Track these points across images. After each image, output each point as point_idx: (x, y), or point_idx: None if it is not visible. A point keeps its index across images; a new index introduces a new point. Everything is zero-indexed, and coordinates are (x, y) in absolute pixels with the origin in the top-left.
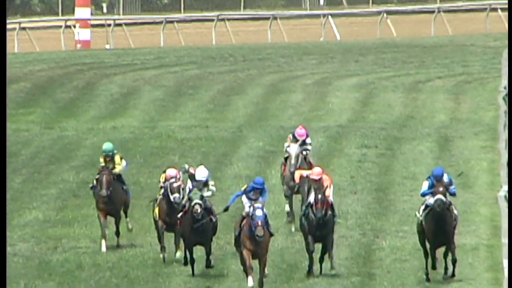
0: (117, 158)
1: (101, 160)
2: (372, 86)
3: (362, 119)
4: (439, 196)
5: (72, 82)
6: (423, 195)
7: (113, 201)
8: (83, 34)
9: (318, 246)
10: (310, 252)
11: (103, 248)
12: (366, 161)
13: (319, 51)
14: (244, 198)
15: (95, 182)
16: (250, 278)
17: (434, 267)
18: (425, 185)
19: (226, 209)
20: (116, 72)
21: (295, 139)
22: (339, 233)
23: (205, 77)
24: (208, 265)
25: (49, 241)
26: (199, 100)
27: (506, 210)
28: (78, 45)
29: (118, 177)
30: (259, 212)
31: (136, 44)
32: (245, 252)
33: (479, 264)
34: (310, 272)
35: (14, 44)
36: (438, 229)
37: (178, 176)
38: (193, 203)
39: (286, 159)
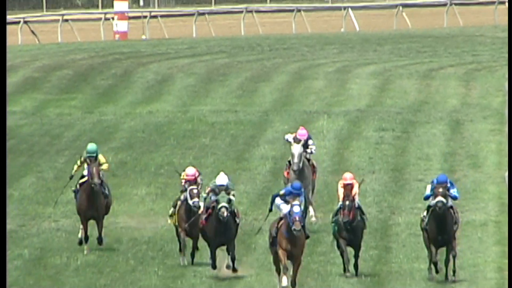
0: (100, 157)
1: (81, 159)
2: (388, 73)
3: (380, 104)
4: (440, 198)
5: (110, 70)
6: (426, 198)
7: (97, 201)
8: (121, 25)
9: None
10: (342, 253)
11: (86, 252)
12: (383, 143)
13: (339, 41)
14: (279, 200)
15: (78, 186)
16: (284, 278)
17: (436, 271)
18: (428, 189)
19: (270, 210)
20: (152, 61)
21: (297, 140)
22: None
23: (234, 65)
24: (233, 265)
25: None
26: (228, 86)
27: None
28: (116, 36)
29: (101, 181)
30: (297, 209)
31: (170, 35)
32: (280, 252)
33: (488, 238)
34: (345, 270)
35: (57, 35)
36: (439, 229)
37: (197, 175)
38: (219, 206)
39: (289, 162)
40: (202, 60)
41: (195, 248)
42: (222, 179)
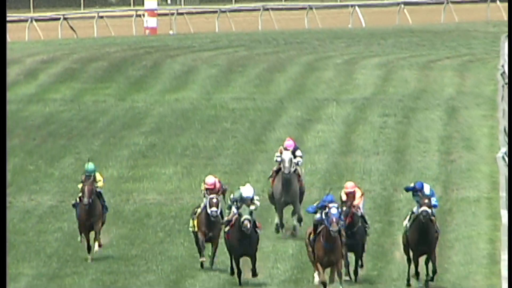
0: (97, 175)
1: (82, 179)
2: (391, 64)
3: (383, 92)
4: (425, 208)
5: (141, 61)
6: (411, 190)
7: (94, 214)
8: (151, 21)
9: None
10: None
11: (89, 261)
12: (386, 127)
13: (347, 35)
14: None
15: (78, 200)
16: (324, 277)
17: (416, 275)
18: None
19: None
20: (178, 53)
21: (285, 150)
22: (364, 188)
23: (252, 57)
24: (254, 273)
25: (122, 194)
26: (247, 76)
27: (504, 168)
28: (147, 31)
29: (99, 194)
30: (334, 210)
31: (195, 30)
32: (318, 266)
33: (480, 213)
34: (346, 273)
35: (93, 30)
36: (421, 238)
37: (217, 184)
38: (242, 219)
39: (276, 172)
40: (223, 53)
41: (214, 253)
42: (248, 191)
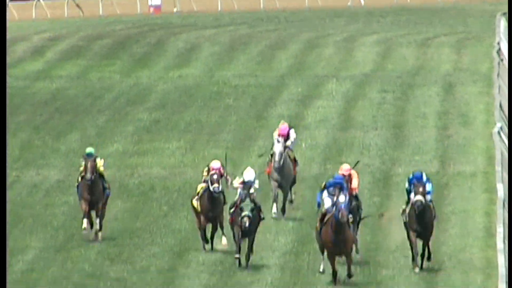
0: (98, 161)
1: (82, 163)
2: (390, 42)
3: (382, 69)
4: (419, 197)
5: (145, 39)
6: (408, 191)
7: (95, 193)
8: (155, 0)
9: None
10: None
11: (84, 226)
12: (385, 103)
13: (347, 14)
14: (325, 193)
15: (79, 179)
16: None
17: (420, 256)
18: (406, 185)
19: (318, 206)
20: (182, 31)
21: (280, 136)
22: (363, 162)
23: (254, 35)
24: (248, 257)
25: (127, 168)
26: (249, 54)
27: (499, 143)
28: (151, 9)
29: (102, 176)
30: (342, 199)
31: (198, 8)
32: (329, 254)
33: (477, 187)
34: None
35: (99, 9)
36: (417, 223)
37: (221, 169)
38: (243, 214)
39: (272, 156)
40: (226, 31)
41: (213, 234)
42: (250, 174)
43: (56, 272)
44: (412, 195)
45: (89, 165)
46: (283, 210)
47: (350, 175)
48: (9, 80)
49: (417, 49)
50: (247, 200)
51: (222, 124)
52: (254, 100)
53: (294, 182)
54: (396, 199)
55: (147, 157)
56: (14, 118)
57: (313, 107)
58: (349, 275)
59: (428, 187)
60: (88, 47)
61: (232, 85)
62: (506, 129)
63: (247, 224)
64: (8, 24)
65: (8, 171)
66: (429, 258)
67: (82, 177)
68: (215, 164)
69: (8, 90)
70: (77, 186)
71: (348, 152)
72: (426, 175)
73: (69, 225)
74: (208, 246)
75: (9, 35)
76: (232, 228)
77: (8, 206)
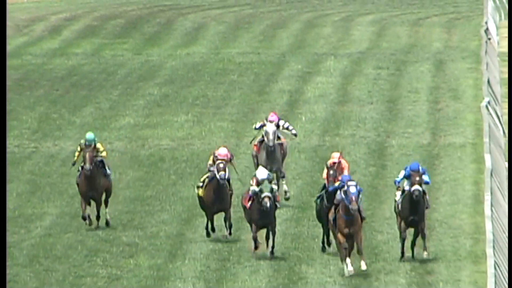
0: (99, 145)
1: (79, 148)
2: (384, 21)
3: (377, 47)
4: (417, 186)
5: (155, 19)
6: (397, 182)
7: (95, 183)
8: None
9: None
10: (322, 226)
11: (86, 222)
12: (380, 79)
13: None
14: (338, 193)
15: (80, 168)
16: (348, 260)
17: (403, 244)
18: (401, 174)
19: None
20: (189, 12)
21: (267, 121)
22: (359, 135)
23: (257, 15)
24: (272, 249)
25: (138, 140)
26: (252, 32)
27: (487, 116)
28: None
29: (101, 162)
30: (353, 189)
31: None
32: (340, 236)
33: (466, 157)
34: (326, 242)
35: None
36: (411, 211)
37: (228, 155)
38: (263, 195)
39: (260, 142)
40: (231, 11)
41: (230, 222)
42: (262, 173)
43: (72, 237)
44: (406, 185)
45: (87, 155)
46: (283, 176)
47: (340, 163)
48: (28, 58)
49: (410, 28)
50: (266, 182)
51: (227, 98)
52: (257, 76)
53: (283, 159)
54: (390, 169)
55: (157, 129)
56: (33, 92)
57: (312, 83)
58: (359, 251)
59: (425, 178)
60: (102, 26)
61: (236, 62)
62: (493, 103)
63: (268, 204)
64: (27, 5)
65: (26, 143)
66: (424, 248)
67: (82, 167)
68: (223, 150)
69: (26, 68)
70: (79, 175)
71: (345, 125)
72: (422, 167)
73: None
74: (212, 235)
75: (28, 15)
76: (248, 217)
77: (27, 175)
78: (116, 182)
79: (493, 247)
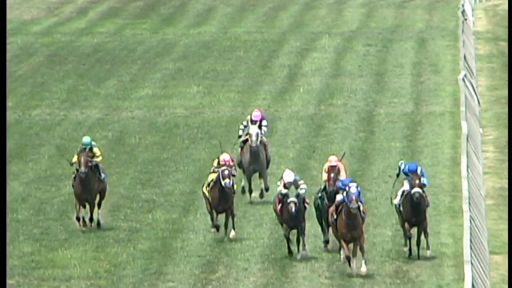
0: (96, 150)
1: (76, 153)
2: (373, 4)
3: (366, 27)
4: (417, 189)
5: (171, 2)
6: (397, 176)
7: (89, 186)
8: None
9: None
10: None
11: (79, 226)
12: (369, 55)
13: None
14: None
15: (75, 171)
16: (352, 262)
17: (409, 243)
18: (402, 166)
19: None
20: None
21: (252, 121)
22: (350, 104)
23: None
24: (303, 247)
25: (156, 109)
26: (256, 14)
27: (463, 88)
28: None
29: (95, 166)
30: (353, 189)
31: None
32: (343, 244)
33: (445, 124)
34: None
35: None
36: (413, 213)
37: (231, 161)
38: (289, 200)
39: (244, 142)
40: None
41: (227, 223)
42: (288, 176)
43: None
44: (406, 186)
45: (82, 159)
46: (266, 189)
47: (336, 166)
48: (58, 36)
49: (395, 10)
50: (292, 187)
51: (234, 72)
52: (260, 52)
53: (268, 162)
54: (378, 134)
55: (172, 99)
56: (62, 67)
57: (309, 58)
58: (362, 252)
59: (424, 180)
60: (123, 8)
61: (242, 40)
62: (469, 76)
63: (293, 210)
64: None
65: (56, 111)
66: (428, 248)
67: (77, 170)
68: (226, 156)
69: (57, 45)
70: (74, 178)
71: (338, 96)
72: (421, 167)
73: (108, 156)
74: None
75: None
76: (279, 219)
77: (57, 140)
78: (135, 146)
79: (469, 203)
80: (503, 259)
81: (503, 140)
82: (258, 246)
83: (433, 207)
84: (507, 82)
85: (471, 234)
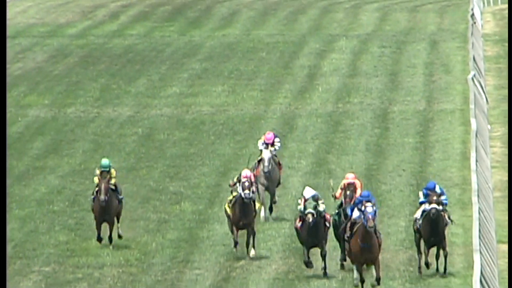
0: (112, 171)
1: (97, 172)
2: (387, 8)
3: (381, 30)
4: (434, 205)
5: (197, 6)
6: (421, 203)
7: (109, 209)
8: None
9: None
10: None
11: (97, 237)
12: (384, 56)
13: None
14: (355, 210)
15: (94, 193)
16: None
17: (427, 266)
18: (421, 195)
19: (345, 217)
20: (225, 0)
21: (265, 144)
22: (366, 102)
23: (282, 3)
24: (324, 267)
25: (183, 106)
26: (278, 17)
27: (473, 87)
28: None
29: (115, 188)
30: (370, 209)
31: None
32: (356, 263)
33: (455, 121)
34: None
35: None
36: (432, 232)
37: (251, 177)
38: (307, 211)
39: (259, 161)
40: (260, 0)
41: (249, 239)
42: (308, 192)
43: (128, 187)
44: (426, 206)
45: (103, 186)
46: (270, 209)
47: (354, 183)
48: (91, 38)
49: (409, 14)
50: (310, 200)
51: (257, 72)
52: (281, 53)
53: (279, 183)
54: (392, 131)
55: (198, 97)
56: (95, 67)
57: (327, 59)
58: (378, 279)
59: (443, 199)
60: (153, 12)
61: (265, 42)
62: (478, 76)
63: (310, 220)
64: None
65: (90, 109)
66: (444, 271)
67: (97, 192)
68: (246, 172)
69: (90, 47)
70: (93, 199)
71: (354, 94)
72: (440, 187)
73: (138, 151)
74: (240, 249)
75: (91, 2)
76: (299, 237)
77: (91, 136)
78: (164, 142)
79: (478, 195)
80: (510, 248)
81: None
82: (279, 236)
83: None
84: None
85: (479, 224)
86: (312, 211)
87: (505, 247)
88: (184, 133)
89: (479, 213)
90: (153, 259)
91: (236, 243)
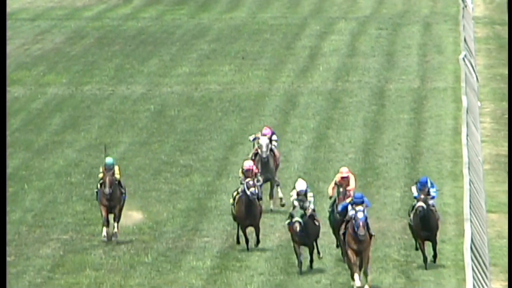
0: (116, 168)
1: (101, 170)
2: None
3: (378, 13)
4: (420, 203)
5: None
6: (415, 198)
7: (113, 199)
8: None
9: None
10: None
11: (104, 234)
12: (381, 37)
13: None
14: (349, 207)
15: (99, 186)
16: (356, 276)
17: (424, 261)
18: (414, 190)
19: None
20: None
21: (263, 136)
22: (364, 81)
23: None
24: (311, 263)
25: (192, 84)
26: (281, 1)
27: (464, 66)
28: None
29: (119, 182)
30: (360, 215)
31: None
32: (349, 252)
33: (447, 98)
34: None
35: None
36: (423, 227)
37: (253, 168)
38: (294, 220)
39: (255, 155)
40: None
41: (258, 235)
42: (301, 185)
43: (141, 160)
44: (416, 201)
45: (107, 179)
46: (271, 195)
47: (348, 177)
48: (106, 21)
49: None
50: (297, 207)
51: (262, 52)
52: (284, 35)
53: (277, 168)
54: (388, 107)
55: (207, 76)
56: (110, 48)
57: (328, 40)
58: (365, 273)
59: (432, 191)
60: None
61: (269, 24)
62: (469, 56)
63: (298, 229)
64: None
65: (105, 87)
66: (434, 259)
67: (101, 184)
68: (248, 163)
69: (105, 29)
70: (97, 192)
71: (353, 73)
72: (431, 181)
73: (150, 126)
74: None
75: None
76: (293, 240)
77: (106, 112)
78: (175, 118)
79: (468, 168)
80: (499, 217)
81: (499, 112)
82: (283, 206)
83: (437, 171)
84: (502, 62)
85: (470, 195)
86: (299, 219)
87: (494, 216)
88: (194, 110)
89: (469, 184)
90: (164, 228)
91: (238, 241)
